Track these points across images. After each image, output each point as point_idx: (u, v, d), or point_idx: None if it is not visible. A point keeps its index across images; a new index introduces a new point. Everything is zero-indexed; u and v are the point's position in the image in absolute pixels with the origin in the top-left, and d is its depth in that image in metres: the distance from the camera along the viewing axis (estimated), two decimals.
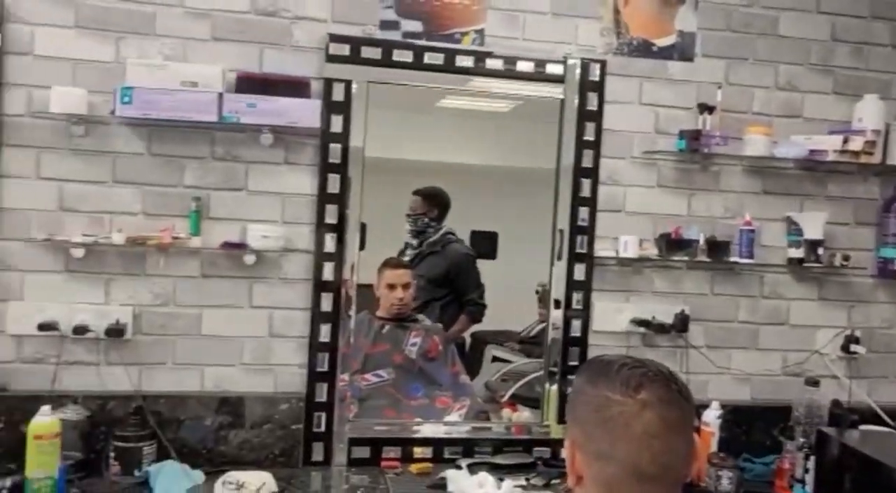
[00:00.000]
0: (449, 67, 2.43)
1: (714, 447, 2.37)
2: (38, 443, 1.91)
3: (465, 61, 2.44)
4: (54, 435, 1.94)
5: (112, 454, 2.14)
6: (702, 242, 2.57)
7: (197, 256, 2.34)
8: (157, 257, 2.31)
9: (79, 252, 2.24)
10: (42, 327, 2.20)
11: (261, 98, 2.22)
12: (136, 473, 2.11)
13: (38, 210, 2.25)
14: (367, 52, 2.37)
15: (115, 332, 2.25)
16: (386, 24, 2.40)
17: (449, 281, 3.08)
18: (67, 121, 2.24)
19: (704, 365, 2.65)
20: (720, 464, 2.28)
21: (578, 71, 2.51)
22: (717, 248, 2.59)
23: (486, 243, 3.07)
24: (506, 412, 2.68)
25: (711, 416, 2.41)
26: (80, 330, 2.23)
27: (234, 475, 2.08)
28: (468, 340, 3.10)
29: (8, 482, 1.95)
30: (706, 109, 2.55)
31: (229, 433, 2.32)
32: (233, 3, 2.34)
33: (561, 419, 2.52)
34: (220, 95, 2.21)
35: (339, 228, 2.38)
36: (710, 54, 2.63)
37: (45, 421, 1.94)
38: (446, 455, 2.44)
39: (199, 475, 2.10)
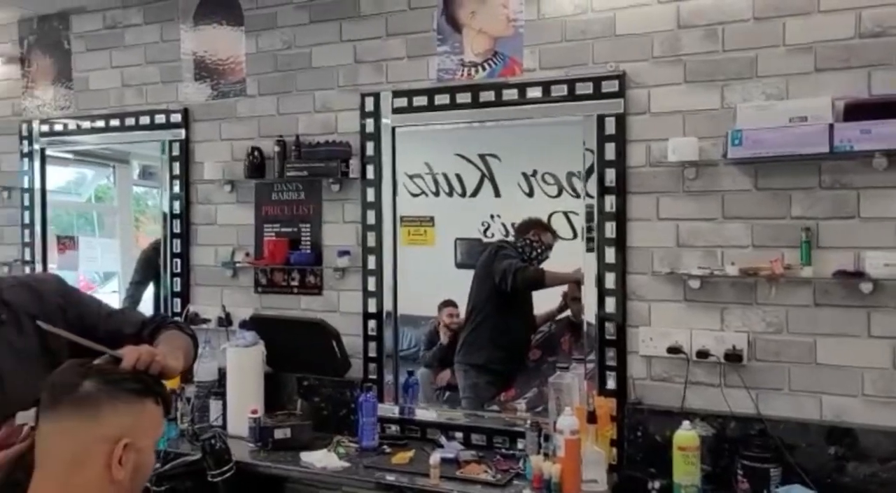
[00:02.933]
0: None
1: None
2: (683, 454, 2.18)
3: None
4: (695, 448, 2.19)
5: (740, 472, 2.29)
6: None
7: (808, 285, 2.38)
8: (767, 286, 2.42)
9: (695, 283, 2.49)
10: (670, 349, 2.51)
11: (877, 123, 2.16)
12: None
13: (658, 247, 2.58)
14: None
15: (733, 357, 2.43)
16: None
17: None
18: (681, 167, 2.52)
19: None
20: None
21: None
22: None
23: None
24: None
25: None
26: (702, 354, 2.47)
27: None
28: None
29: (656, 483, 2.26)
30: None
31: (848, 465, 2.28)
32: (835, 32, 2.34)
33: None
34: (831, 125, 2.22)
35: None
36: None
37: (687, 434, 2.20)
38: None
39: None
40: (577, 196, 2.83)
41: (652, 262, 2.59)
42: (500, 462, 2.59)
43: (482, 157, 3.05)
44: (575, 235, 2.91)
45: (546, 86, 2.73)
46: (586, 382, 2.65)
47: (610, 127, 2.63)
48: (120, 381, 1.32)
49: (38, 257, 3.74)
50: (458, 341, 3.19)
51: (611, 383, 2.62)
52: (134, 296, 4.00)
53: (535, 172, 2.95)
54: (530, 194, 2.99)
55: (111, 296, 4.31)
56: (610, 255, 2.63)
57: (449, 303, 3.22)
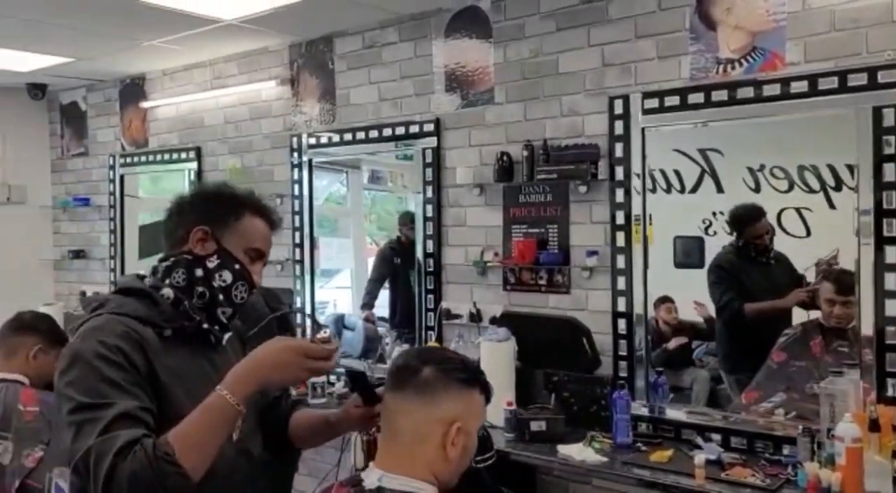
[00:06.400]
0: None
1: None
2: None
3: None
4: None
5: None
6: None
7: None
8: None
9: None
10: None
11: None
12: None
13: None
14: None
15: None
16: None
17: None
18: None
19: None
20: None
21: None
22: None
23: None
24: None
25: None
26: None
27: None
28: None
29: None
30: None
31: None
32: None
33: None
34: None
35: None
36: None
37: None
38: None
39: None
40: (810, 191, 2.69)
41: None
42: (766, 467, 2.53)
43: (702, 152, 2.96)
44: (809, 233, 2.76)
45: (812, 79, 2.62)
46: (863, 388, 2.51)
47: (889, 119, 2.48)
48: (452, 370, 1.47)
49: (307, 256, 4.18)
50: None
51: (892, 391, 2.46)
52: (372, 293, 4.32)
53: (762, 167, 2.82)
54: (756, 190, 2.85)
55: (339, 292, 4.68)
56: (891, 254, 2.47)
57: (666, 299, 3.14)
